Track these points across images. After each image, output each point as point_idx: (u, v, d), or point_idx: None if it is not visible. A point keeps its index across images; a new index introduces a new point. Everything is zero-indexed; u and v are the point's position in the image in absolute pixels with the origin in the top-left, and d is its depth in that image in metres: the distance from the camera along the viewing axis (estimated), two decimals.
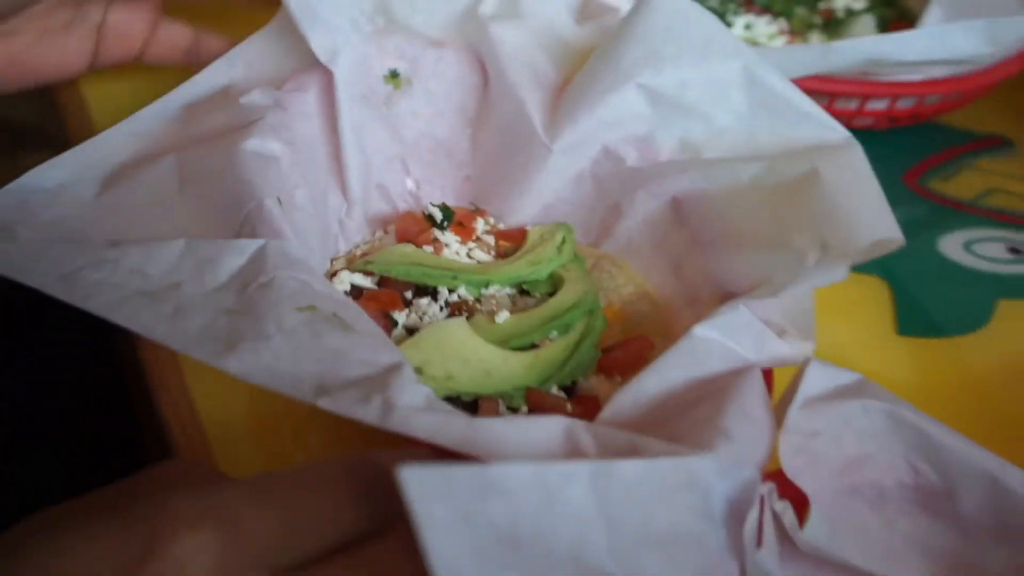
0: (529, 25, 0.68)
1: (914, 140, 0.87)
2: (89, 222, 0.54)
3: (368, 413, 0.42)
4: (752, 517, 0.43)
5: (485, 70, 0.67)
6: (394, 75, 0.66)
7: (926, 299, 0.73)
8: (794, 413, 0.47)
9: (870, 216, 0.56)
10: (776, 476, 0.47)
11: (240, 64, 0.66)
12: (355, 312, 0.48)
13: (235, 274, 0.49)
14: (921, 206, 0.82)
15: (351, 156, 0.62)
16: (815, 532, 0.46)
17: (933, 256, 0.77)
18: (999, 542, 0.47)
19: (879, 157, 0.73)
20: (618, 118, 0.63)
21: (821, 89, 0.77)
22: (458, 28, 0.68)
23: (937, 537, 0.48)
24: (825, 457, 0.48)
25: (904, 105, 0.84)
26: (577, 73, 0.66)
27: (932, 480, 0.48)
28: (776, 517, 0.45)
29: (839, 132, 0.62)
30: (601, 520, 0.38)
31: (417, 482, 0.32)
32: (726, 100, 0.63)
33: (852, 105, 0.83)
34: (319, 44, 0.62)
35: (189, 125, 0.62)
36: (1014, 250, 0.78)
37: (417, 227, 0.61)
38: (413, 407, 0.42)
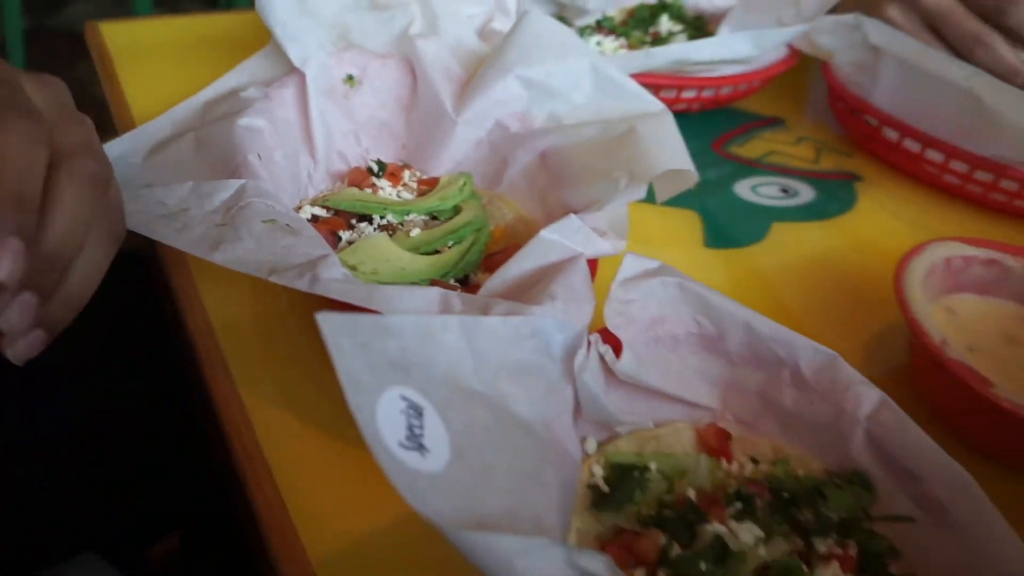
0: (444, 41, 0.68)
1: (719, 120, 0.88)
2: (134, 177, 0.57)
3: (302, 284, 0.43)
4: (581, 354, 0.44)
5: (414, 73, 0.67)
6: (350, 78, 0.66)
7: (725, 224, 0.75)
8: (615, 288, 0.48)
9: (669, 155, 0.57)
10: (602, 331, 0.48)
11: (245, 73, 0.68)
12: (302, 224, 0.49)
13: (224, 202, 0.50)
14: (724, 165, 0.83)
15: (317, 130, 0.62)
16: (628, 365, 0.46)
17: (730, 196, 0.79)
18: (755, 368, 0.48)
19: (695, 132, 0.74)
20: (504, 99, 0.65)
21: (647, 83, 0.75)
22: (396, 45, 0.69)
23: (714, 368, 0.49)
24: (636, 317, 0.48)
25: (707, 94, 0.84)
26: (477, 70, 0.65)
27: (709, 329, 0.49)
28: (600, 356, 0.46)
29: (657, 105, 0.63)
30: (470, 354, 0.38)
31: (330, 322, 0.32)
32: (579, 85, 0.65)
33: (671, 94, 0.83)
34: (295, 55, 0.63)
35: (206, 113, 0.63)
36: (784, 190, 0.80)
37: (362, 176, 0.61)
38: (332, 279, 0.42)
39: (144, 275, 0.75)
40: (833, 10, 0.85)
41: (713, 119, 0.88)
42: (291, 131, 0.61)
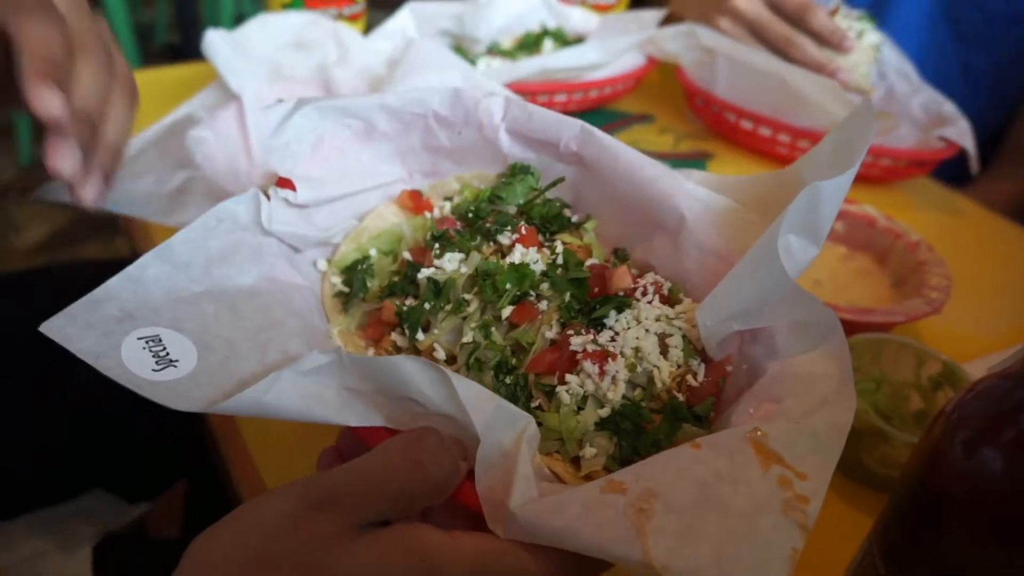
0: (353, 68, 0.82)
1: (594, 119, 1.00)
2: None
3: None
4: (264, 210, 0.46)
5: (331, 91, 0.81)
6: (279, 100, 0.80)
7: None
8: (270, 140, 0.53)
9: None
10: (277, 182, 0.49)
11: (196, 102, 0.82)
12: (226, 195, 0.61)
13: (177, 186, 0.62)
14: None
15: (253, 140, 0.76)
16: (306, 194, 0.49)
17: None
18: (408, 131, 0.52)
19: None
20: None
21: (522, 91, 0.91)
22: (317, 73, 0.83)
23: (382, 149, 0.53)
24: (299, 151, 0.52)
25: (578, 96, 0.99)
26: (382, 86, 0.80)
27: (357, 126, 0.52)
28: (284, 200, 0.48)
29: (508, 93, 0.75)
30: (176, 271, 0.41)
31: (51, 327, 0.36)
32: None
33: (545, 98, 0.97)
34: (234, 84, 0.79)
35: (168, 133, 0.77)
36: None
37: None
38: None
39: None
40: (677, 22, 1.01)
41: (590, 118, 0.99)
42: (231, 141, 0.76)
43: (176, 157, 0.71)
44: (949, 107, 0.99)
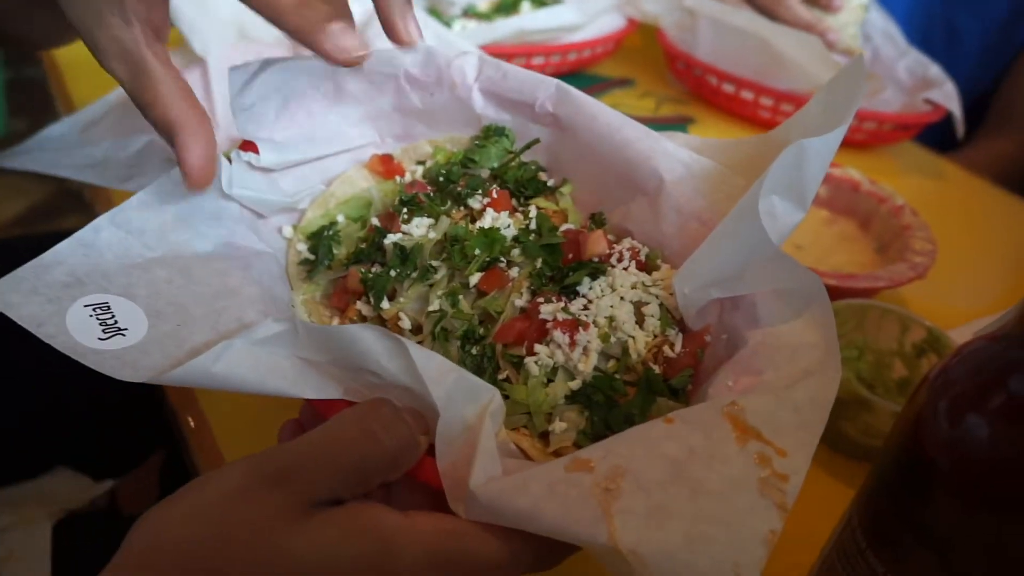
0: None
1: (574, 82, 0.98)
2: (71, 145, 0.67)
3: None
4: (224, 175, 0.44)
5: (298, 53, 0.78)
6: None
7: None
8: (234, 100, 0.48)
9: None
10: (241, 145, 0.46)
11: None
12: None
13: (137, 151, 0.60)
14: None
15: (218, 103, 0.73)
16: (270, 158, 0.46)
17: None
18: (380, 93, 0.49)
19: None
20: None
21: (498, 53, 0.87)
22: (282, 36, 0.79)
23: (351, 111, 0.50)
24: (264, 112, 0.48)
25: (556, 59, 0.96)
26: None
27: (327, 87, 0.49)
28: (247, 163, 0.45)
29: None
30: (130, 236, 0.40)
31: None
32: None
33: (521, 61, 0.93)
34: (197, 46, 0.76)
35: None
36: None
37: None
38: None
39: None
40: None
41: (570, 81, 0.99)
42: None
43: (136, 122, 0.67)
44: (935, 70, 0.97)
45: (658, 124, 0.95)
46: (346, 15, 0.43)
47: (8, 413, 0.71)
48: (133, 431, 0.77)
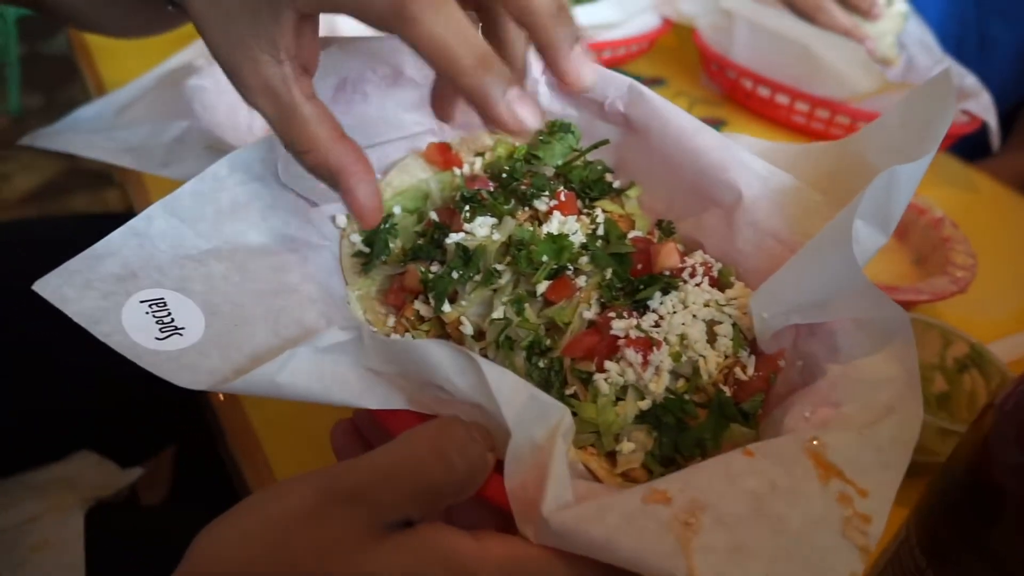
0: None
1: None
2: (107, 128, 0.66)
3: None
4: (280, 160, 0.42)
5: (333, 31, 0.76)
6: None
7: None
8: None
9: None
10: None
11: (196, 50, 0.78)
12: (226, 147, 0.57)
13: (175, 137, 0.58)
14: None
15: None
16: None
17: None
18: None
19: None
20: None
21: None
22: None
23: (409, 96, 0.48)
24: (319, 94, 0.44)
25: None
26: None
27: (385, 70, 0.46)
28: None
29: None
30: (184, 225, 0.38)
31: (46, 286, 0.33)
32: None
33: None
34: None
35: (165, 82, 0.72)
36: None
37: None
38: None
39: None
40: None
41: None
42: (231, 90, 0.71)
43: (174, 107, 0.66)
44: (971, 80, 0.95)
45: None
46: (522, 79, 0.40)
47: (31, 396, 0.70)
48: (157, 419, 0.76)
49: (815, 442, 0.31)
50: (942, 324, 0.58)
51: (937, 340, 0.58)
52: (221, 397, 0.52)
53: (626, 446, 0.36)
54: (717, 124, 0.94)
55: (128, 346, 0.32)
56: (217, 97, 0.69)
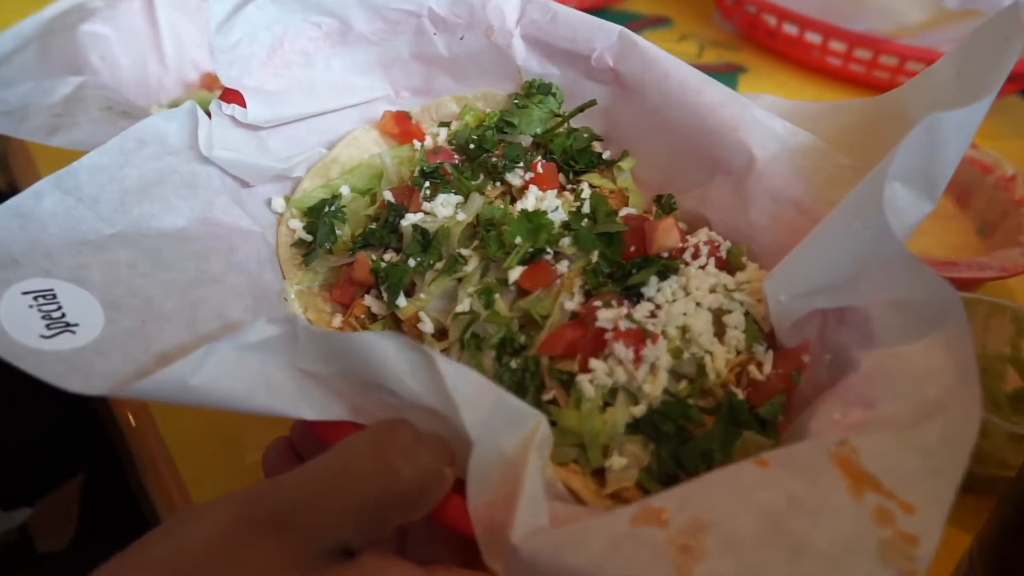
0: None
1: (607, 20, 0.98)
2: None
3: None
4: (203, 131, 0.42)
5: None
6: None
7: None
8: (214, 38, 0.45)
9: None
10: (222, 94, 0.46)
11: None
12: (139, 111, 0.57)
13: (64, 96, 0.58)
14: None
15: (167, 40, 0.71)
16: (259, 112, 0.45)
17: None
18: (393, 34, 0.49)
19: None
20: None
21: None
22: None
23: (360, 56, 0.50)
24: (250, 54, 0.46)
25: None
26: None
27: (331, 23, 0.47)
28: (230, 118, 0.45)
29: None
30: (81, 205, 0.38)
31: None
32: None
33: None
34: None
35: (52, 28, 0.72)
36: None
37: None
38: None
39: None
40: None
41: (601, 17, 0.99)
42: (138, 39, 0.71)
43: (63, 59, 0.66)
44: None
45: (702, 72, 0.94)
46: None
47: None
48: (49, 447, 0.75)
49: (845, 447, 0.31)
50: (1015, 305, 0.58)
51: (1008, 326, 0.59)
52: (131, 417, 0.52)
53: (617, 461, 0.36)
54: (735, 72, 0.95)
55: (5, 346, 0.32)
56: (120, 47, 0.69)
